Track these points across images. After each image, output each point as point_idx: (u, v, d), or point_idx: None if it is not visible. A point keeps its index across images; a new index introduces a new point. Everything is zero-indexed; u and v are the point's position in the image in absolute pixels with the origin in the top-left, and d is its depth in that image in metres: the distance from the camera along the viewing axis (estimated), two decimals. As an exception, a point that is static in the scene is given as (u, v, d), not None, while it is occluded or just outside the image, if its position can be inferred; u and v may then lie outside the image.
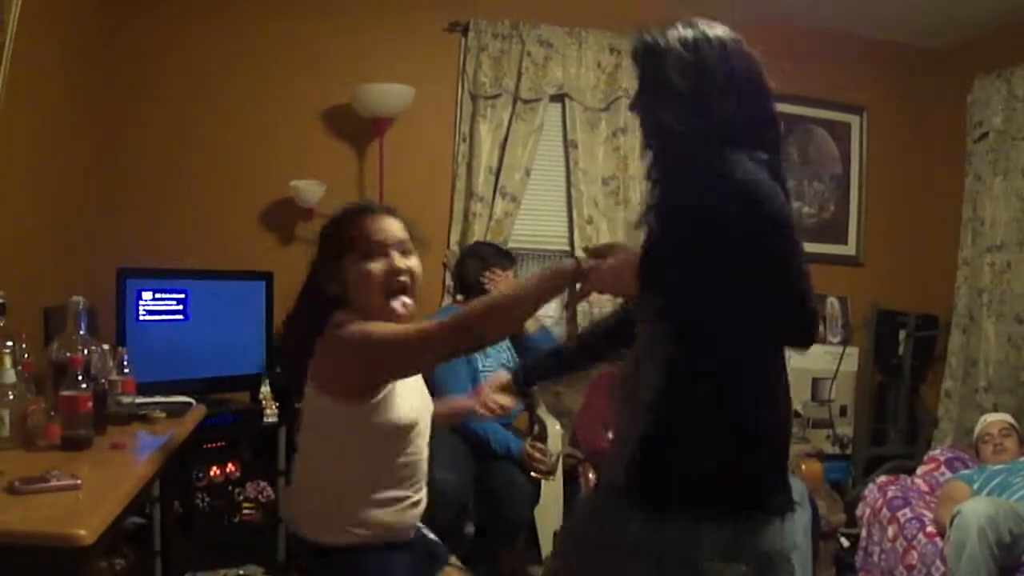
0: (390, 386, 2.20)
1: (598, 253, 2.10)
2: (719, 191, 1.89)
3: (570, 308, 4.91)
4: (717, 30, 2.04)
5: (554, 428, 4.61)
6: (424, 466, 2.40)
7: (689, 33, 2.02)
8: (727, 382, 1.98)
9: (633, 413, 2.06)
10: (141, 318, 4.14)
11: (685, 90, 1.97)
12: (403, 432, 2.25)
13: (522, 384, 2.70)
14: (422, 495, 2.39)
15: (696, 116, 1.97)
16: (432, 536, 2.58)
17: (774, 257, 1.89)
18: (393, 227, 2.29)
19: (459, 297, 4.80)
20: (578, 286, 2.14)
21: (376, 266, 2.22)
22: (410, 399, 2.28)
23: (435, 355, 2.20)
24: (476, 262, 4.59)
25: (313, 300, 2.31)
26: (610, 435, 4.36)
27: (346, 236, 2.26)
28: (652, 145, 2.12)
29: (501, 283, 4.47)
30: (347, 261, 2.25)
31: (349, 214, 2.32)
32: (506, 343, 4.53)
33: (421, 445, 2.35)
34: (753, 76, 2.04)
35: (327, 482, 2.26)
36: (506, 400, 2.66)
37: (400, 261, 2.25)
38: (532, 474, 4.20)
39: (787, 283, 1.89)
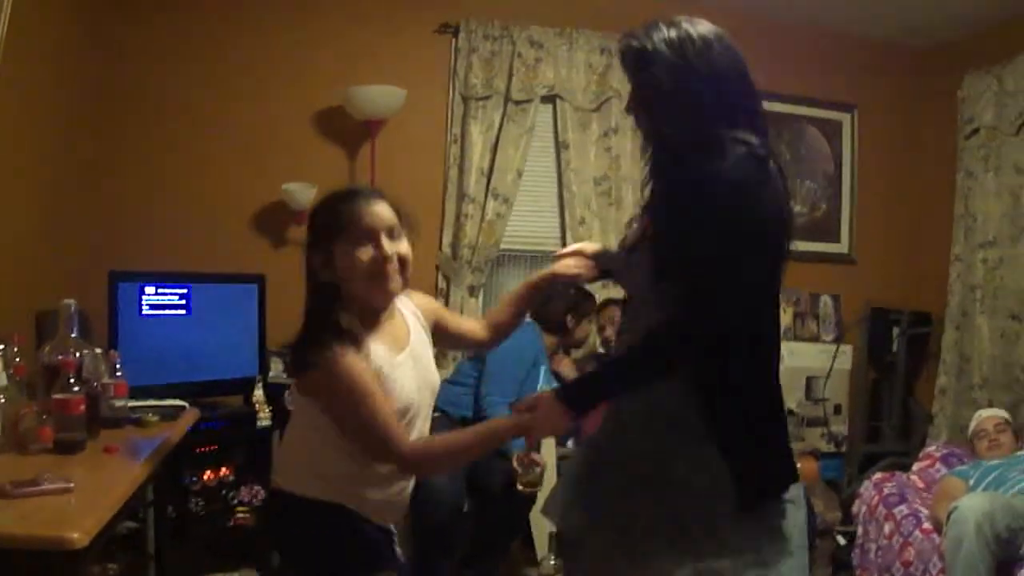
0: (384, 373, 2.20)
1: (527, 406, 2.19)
2: (707, 189, 1.99)
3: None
4: (700, 27, 2.11)
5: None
6: None
7: (673, 33, 2.08)
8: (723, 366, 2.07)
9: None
10: (144, 312, 4.15)
11: (672, 91, 2.05)
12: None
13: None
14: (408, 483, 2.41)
15: (686, 114, 2.05)
16: (401, 558, 2.54)
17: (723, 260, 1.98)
18: (382, 211, 2.25)
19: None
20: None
21: (364, 252, 2.19)
22: (405, 384, 2.26)
23: (383, 461, 2.20)
24: (561, 303, 4.64)
25: (315, 292, 2.26)
26: None
27: (335, 221, 2.23)
28: (649, 145, 2.22)
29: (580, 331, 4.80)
30: (337, 247, 2.21)
31: (338, 199, 2.28)
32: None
33: (419, 429, 2.35)
34: (738, 68, 2.12)
35: (316, 460, 2.25)
36: (584, 266, 2.60)
37: (389, 246, 2.22)
38: (518, 486, 4.18)
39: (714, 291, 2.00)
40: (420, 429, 2.35)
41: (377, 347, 2.22)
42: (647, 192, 2.26)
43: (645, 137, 2.24)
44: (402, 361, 2.29)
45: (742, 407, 2.09)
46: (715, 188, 1.97)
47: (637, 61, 2.12)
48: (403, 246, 2.27)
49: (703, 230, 1.96)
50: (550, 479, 4.44)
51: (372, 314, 2.27)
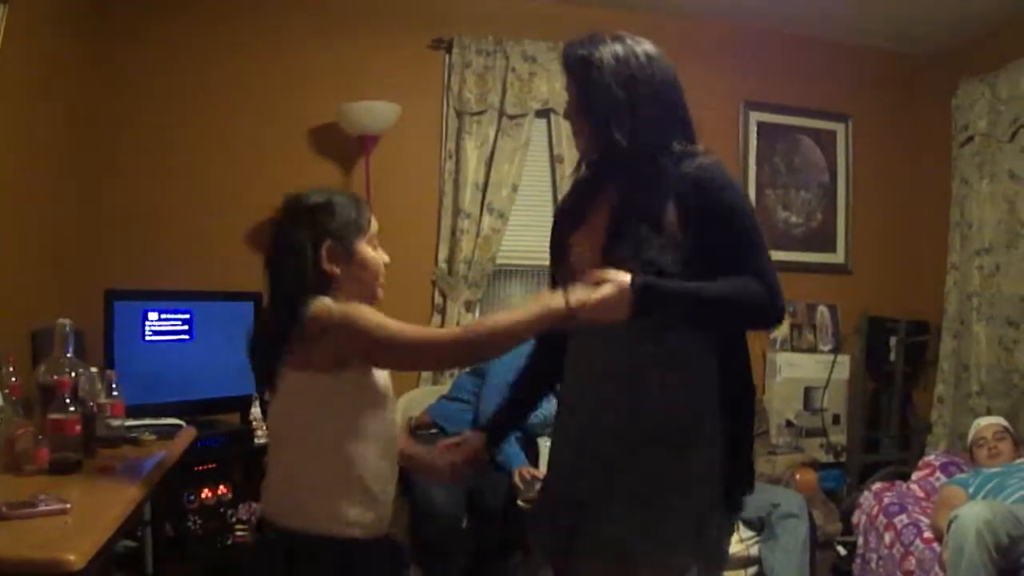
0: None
1: (594, 280, 2.08)
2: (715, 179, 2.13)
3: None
4: (644, 45, 2.23)
5: (545, 445, 4.56)
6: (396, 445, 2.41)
7: (618, 47, 2.19)
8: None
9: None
10: (148, 339, 4.17)
11: (620, 99, 2.15)
12: (379, 400, 2.26)
13: (492, 447, 2.63)
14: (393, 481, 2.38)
15: (628, 121, 2.15)
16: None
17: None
18: (376, 223, 2.40)
19: None
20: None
21: (380, 256, 2.35)
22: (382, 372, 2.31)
23: (428, 364, 2.23)
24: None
25: (312, 277, 2.23)
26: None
27: (360, 219, 2.32)
28: (589, 148, 2.31)
29: None
30: (359, 244, 2.30)
31: (358, 200, 2.39)
32: None
33: (392, 419, 2.37)
34: (675, 82, 2.25)
35: (305, 464, 2.22)
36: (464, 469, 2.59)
37: (386, 256, 2.37)
38: (519, 503, 4.18)
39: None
40: (393, 422, 2.38)
41: None
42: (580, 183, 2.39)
43: (587, 144, 2.30)
44: None
45: (743, 403, 2.22)
46: (719, 178, 2.14)
47: (584, 69, 2.20)
48: (387, 256, 2.40)
49: (738, 216, 2.13)
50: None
51: None
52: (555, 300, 2.08)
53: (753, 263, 2.10)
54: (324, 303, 2.15)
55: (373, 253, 2.33)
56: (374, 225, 2.35)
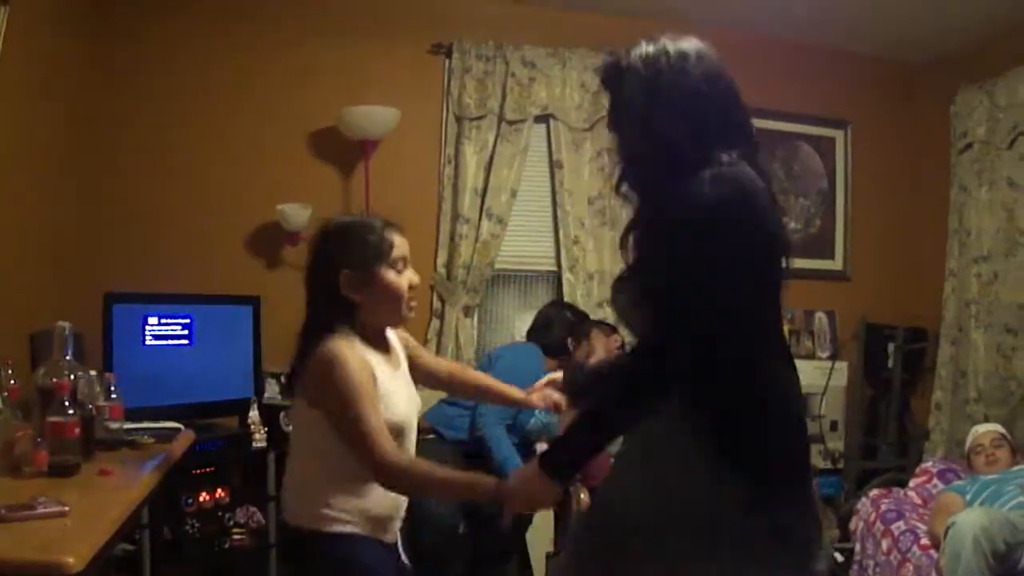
0: (383, 386, 2.32)
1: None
2: (678, 209, 1.92)
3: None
4: (681, 43, 2.04)
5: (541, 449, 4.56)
6: None
7: (651, 49, 2.03)
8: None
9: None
10: (148, 343, 4.19)
11: (644, 105, 1.99)
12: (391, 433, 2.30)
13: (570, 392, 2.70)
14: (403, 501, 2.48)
15: (647, 129, 2.00)
16: (406, 561, 2.58)
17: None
18: (406, 244, 2.43)
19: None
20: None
21: (403, 279, 2.39)
22: (400, 400, 2.40)
23: (365, 462, 2.23)
24: (561, 325, 4.63)
25: (332, 304, 2.36)
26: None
27: (381, 245, 2.37)
28: (621, 161, 2.16)
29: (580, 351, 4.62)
30: (379, 270, 2.35)
31: (380, 225, 2.42)
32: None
33: (407, 447, 2.43)
34: (717, 81, 2.04)
35: (315, 479, 2.35)
36: (559, 398, 2.72)
37: (414, 276, 2.43)
38: None
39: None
40: (408, 450, 2.44)
41: (378, 360, 2.35)
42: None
43: (620, 156, 2.15)
44: (397, 377, 2.45)
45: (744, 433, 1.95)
46: (685, 209, 1.90)
47: (613, 78, 2.09)
48: (416, 276, 2.45)
49: (675, 255, 1.90)
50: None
51: (376, 335, 2.42)
52: (485, 483, 2.21)
53: (660, 315, 1.91)
54: (333, 350, 2.24)
55: (395, 277, 2.37)
56: (398, 249, 2.39)
